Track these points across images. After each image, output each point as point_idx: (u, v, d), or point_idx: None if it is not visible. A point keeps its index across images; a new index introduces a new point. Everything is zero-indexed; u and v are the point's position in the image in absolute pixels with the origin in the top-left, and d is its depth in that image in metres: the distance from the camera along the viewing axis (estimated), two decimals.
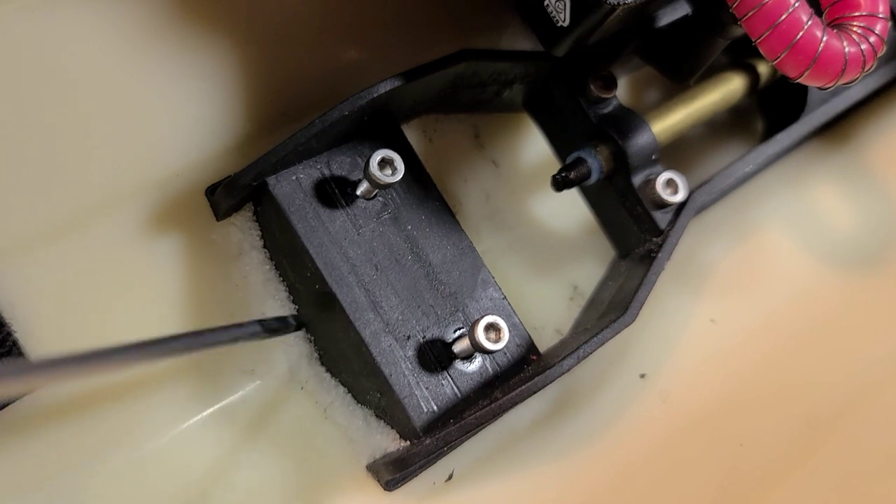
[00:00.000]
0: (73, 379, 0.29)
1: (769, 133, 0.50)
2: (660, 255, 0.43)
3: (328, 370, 0.44)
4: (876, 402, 0.49)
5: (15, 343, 0.39)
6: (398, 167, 0.40)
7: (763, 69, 0.51)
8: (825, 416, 0.48)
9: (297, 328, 0.43)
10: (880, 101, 0.57)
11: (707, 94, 0.49)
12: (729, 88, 0.50)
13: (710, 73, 0.51)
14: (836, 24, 0.38)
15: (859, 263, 0.53)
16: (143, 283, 0.42)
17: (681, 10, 0.44)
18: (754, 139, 0.54)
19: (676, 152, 0.54)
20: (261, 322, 0.41)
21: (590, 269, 0.50)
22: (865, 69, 0.38)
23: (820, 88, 0.38)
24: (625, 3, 0.37)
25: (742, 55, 0.52)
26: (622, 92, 0.55)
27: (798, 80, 0.37)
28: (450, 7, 0.46)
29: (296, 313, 0.44)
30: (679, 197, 0.44)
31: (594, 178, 0.45)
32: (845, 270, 0.52)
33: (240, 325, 0.39)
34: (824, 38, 0.36)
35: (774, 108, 0.54)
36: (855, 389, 0.49)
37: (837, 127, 0.57)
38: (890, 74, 0.53)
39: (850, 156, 0.56)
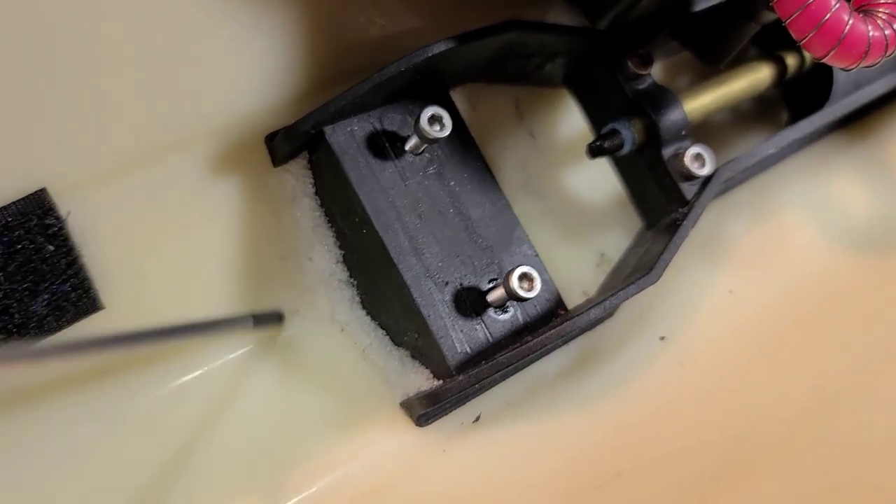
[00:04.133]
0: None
1: (793, 122, 0.52)
2: (685, 222, 0.46)
3: (368, 313, 0.47)
4: (883, 378, 0.51)
5: (82, 268, 0.42)
6: (446, 123, 0.43)
7: (791, 61, 0.54)
8: (834, 390, 0.50)
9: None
10: None
11: (736, 80, 0.52)
12: (757, 76, 0.53)
13: (741, 62, 0.54)
14: (863, 10, 0.41)
15: (872, 250, 0.55)
16: (203, 219, 0.45)
17: None
18: (778, 128, 0.57)
19: (704, 137, 0.57)
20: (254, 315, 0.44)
21: (617, 238, 0.53)
22: (888, 53, 0.41)
23: (843, 70, 0.41)
24: None
25: (772, 47, 0.55)
26: (658, 76, 0.58)
27: (823, 60, 0.40)
28: None
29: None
30: (706, 170, 0.47)
31: (627, 148, 0.48)
32: (858, 256, 0.55)
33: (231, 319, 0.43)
34: (850, 21, 0.39)
35: (799, 98, 0.56)
36: (865, 365, 0.51)
37: (860, 122, 0.59)
38: None
39: (872, 150, 0.59)
